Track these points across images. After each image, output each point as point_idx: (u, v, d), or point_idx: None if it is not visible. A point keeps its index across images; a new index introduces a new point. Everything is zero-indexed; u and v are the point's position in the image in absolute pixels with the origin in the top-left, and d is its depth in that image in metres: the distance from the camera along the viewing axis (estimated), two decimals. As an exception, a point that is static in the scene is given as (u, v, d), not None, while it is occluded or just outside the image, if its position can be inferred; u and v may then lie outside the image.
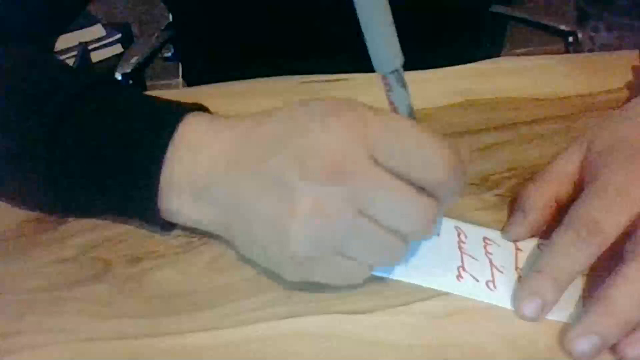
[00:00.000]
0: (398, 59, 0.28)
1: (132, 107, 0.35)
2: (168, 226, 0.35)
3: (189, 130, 0.33)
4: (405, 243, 0.30)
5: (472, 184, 0.40)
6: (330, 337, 0.30)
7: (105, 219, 0.37)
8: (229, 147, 0.31)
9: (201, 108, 0.35)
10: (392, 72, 0.29)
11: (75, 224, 0.37)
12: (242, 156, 0.31)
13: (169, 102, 0.35)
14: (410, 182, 0.29)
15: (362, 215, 0.29)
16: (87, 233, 0.36)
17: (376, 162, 0.28)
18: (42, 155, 0.33)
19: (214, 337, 0.30)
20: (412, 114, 0.30)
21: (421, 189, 0.29)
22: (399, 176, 0.29)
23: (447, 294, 0.32)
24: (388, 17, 0.27)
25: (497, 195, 0.39)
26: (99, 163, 0.33)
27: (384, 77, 0.29)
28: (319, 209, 0.28)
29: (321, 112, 0.30)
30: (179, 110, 0.33)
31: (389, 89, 0.29)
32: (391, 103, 0.30)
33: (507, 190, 0.40)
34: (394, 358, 0.29)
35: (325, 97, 0.31)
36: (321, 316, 0.31)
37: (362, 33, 0.27)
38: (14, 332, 0.31)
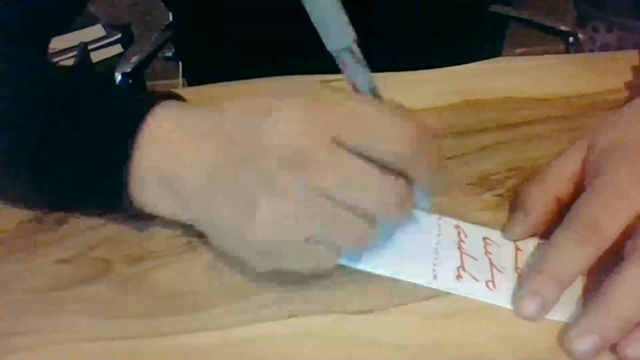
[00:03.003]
0: (347, 36, 0.28)
1: (103, 100, 0.35)
2: (146, 216, 0.35)
3: (156, 121, 0.33)
4: (374, 224, 0.30)
5: (472, 184, 0.40)
6: (330, 337, 0.30)
7: (106, 219, 0.37)
8: (195, 138, 0.32)
9: (171, 96, 0.35)
10: (344, 49, 0.28)
11: (75, 224, 0.37)
12: (209, 147, 0.31)
13: (138, 94, 0.35)
14: (375, 161, 0.28)
15: (328, 198, 0.29)
16: (87, 233, 0.36)
17: (337, 143, 0.28)
18: (29, 152, 0.33)
19: (214, 337, 0.30)
20: (374, 92, 0.30)
21: (388, 169, 0.29)
22: (361, 155, 0.28)
23: (447, 293, 0.32)
24: None
25: (497, 195, 0.39)
26: (72, 157, 0.33)
27: (337, 57, 0.29)
28: (282, 197, 0.28)
29: (279, 94, 0.30)
30: (147, 102, 0.33)
31: (343, 68, 0.29)
32: (349, 83, 0.30)
33: (507, 190, 0.40)
34: (394, 358, 0.29)
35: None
36: (321, 316, 0.31)
37: (310, 16, 0.27)
38: (14, 332, 0.31)
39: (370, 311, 0.32)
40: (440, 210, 0.37)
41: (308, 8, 0.27)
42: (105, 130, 0.33)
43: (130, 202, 0.33)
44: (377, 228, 0.30)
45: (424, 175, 0.30)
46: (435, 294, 0.32)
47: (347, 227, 0.30)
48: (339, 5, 0.27)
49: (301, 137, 0.28)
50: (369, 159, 0.28)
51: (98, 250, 0.35)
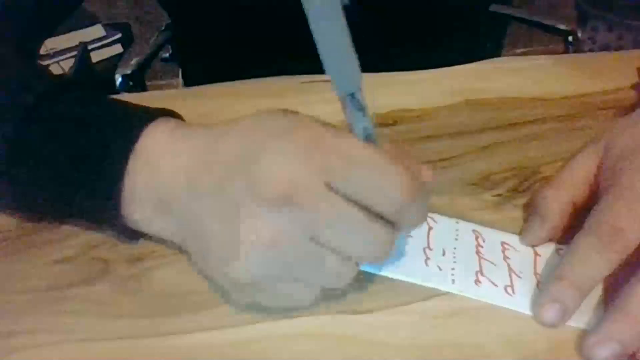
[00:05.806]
0: (353, 83, 0.27)
1: (97, 114, 0.34)
2: (136, 235, 0.35)
3: (150, 142, 0.32)
4: (357, 266, 0.30)
5: (472, 184, 0.40)
6: (330, 337, 0.30)
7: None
8: (188, 165, 0.31)
9: (167, 113, 0.34)
10: (348, 94, 0.27)
11: (75, 224, 0.37)
12: (200, 176, 0.30)
13: (133, 110, 0.34)
14: (365, 207, 0.28)
15: (313, 241, 0.28)
16: (87, 233, 0.36)
17: (329, 187, 0.28)
18: (4, 158, 0.33)
19: (214, 337, 0.30)
20: (371, 137, 0.29)
21: (377, 215, 0.28)
22: (352, 202, 0.28)
23: (447, 293, 0.32)
24: (344, 39, 0.26)
25: (497, 195, 0.39)
26: (62, 172, 0.33)
27: (340, 98, 0.28)
28: (267, 236, 0.28)
29: (278, 131, 0.29)
30: (142, 120, 0.33)
31: (343, 109, 0.28)
32: (349, 123, 0.29)
33: (507, 190, 0.40)
34: (394, 358, 0.29)
35: (283, 110, 0.30)
36: (321, 316, 0.31)
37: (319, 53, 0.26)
38: (14, 332, 0.31)
39: (370, 311, 0.32)
40: (440, 211, 0.37)
41: (320, 47, 0.26)
42: (98, 147, 0.32)
43: (123, 220, 0.33)
44: (358, 269, 0.30)
45: (412, 225, 0.30)
46: (435, 294, 0.32)
47: (330, 270, 0.29)
48: (351, 50, 0.26)
49: (294, 178, 0.27)
50: (359, 205, 0.28)
51: (98, 250, 0.35)
